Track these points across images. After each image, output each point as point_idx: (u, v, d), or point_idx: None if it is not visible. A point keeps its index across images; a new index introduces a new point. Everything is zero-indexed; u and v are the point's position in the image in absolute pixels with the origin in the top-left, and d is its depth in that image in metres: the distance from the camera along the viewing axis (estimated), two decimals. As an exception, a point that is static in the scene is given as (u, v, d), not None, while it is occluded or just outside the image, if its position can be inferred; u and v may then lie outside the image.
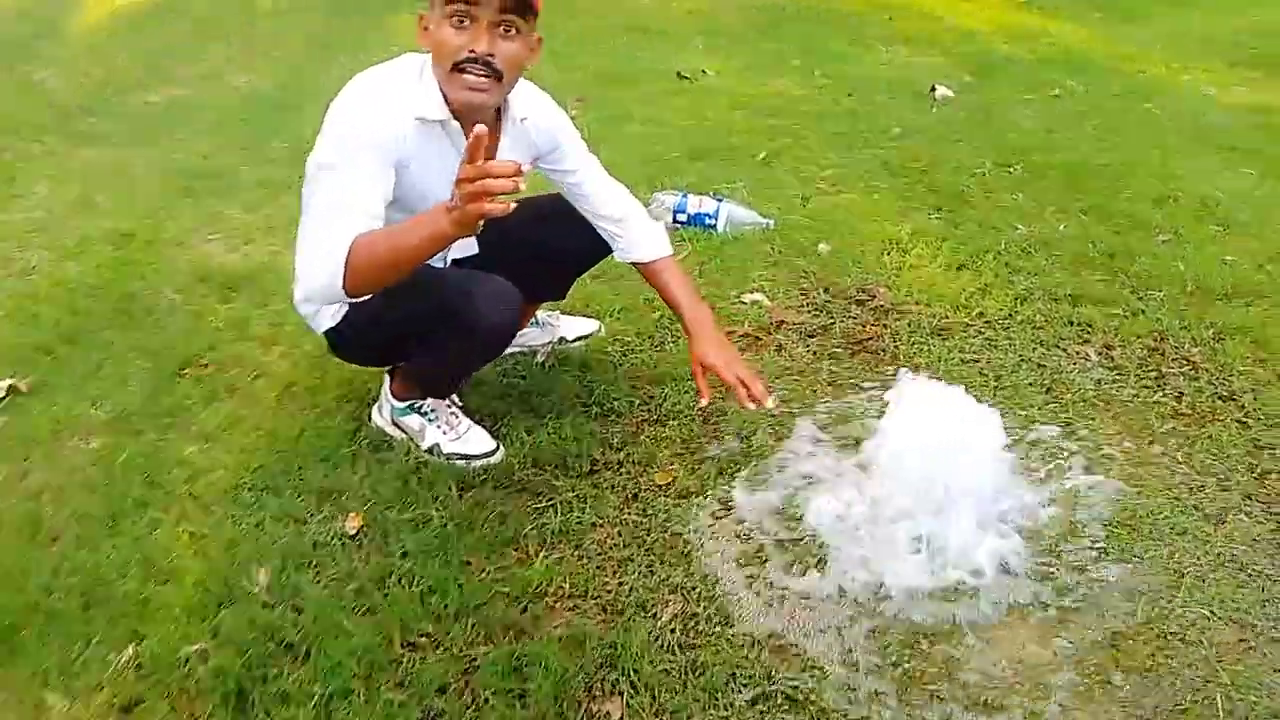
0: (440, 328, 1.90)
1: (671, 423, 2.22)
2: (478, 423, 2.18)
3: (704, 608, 1.71)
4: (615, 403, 2.29)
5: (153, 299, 2.79)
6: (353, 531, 1.93)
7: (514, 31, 1.72)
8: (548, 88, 2.05)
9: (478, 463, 2.10)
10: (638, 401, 2.29)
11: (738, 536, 1.89)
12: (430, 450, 2.13)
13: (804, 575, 1.78)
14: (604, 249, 2.20)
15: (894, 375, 2.29)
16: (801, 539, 1.86)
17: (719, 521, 1.93)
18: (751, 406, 1.99)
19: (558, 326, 2.52)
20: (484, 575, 1.80)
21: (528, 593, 1.75)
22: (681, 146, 3.92)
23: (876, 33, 5.64)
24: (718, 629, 1.67)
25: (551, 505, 1.98)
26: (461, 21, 1.69)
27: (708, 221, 3.15)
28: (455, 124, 1.81)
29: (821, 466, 2.04)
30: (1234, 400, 2.20)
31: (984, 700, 1.52)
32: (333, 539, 1.89)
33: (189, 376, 2.43)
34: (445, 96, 1.78)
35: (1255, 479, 1.98)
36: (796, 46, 5.39)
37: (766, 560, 1.82)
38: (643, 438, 2.17)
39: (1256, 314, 2.51)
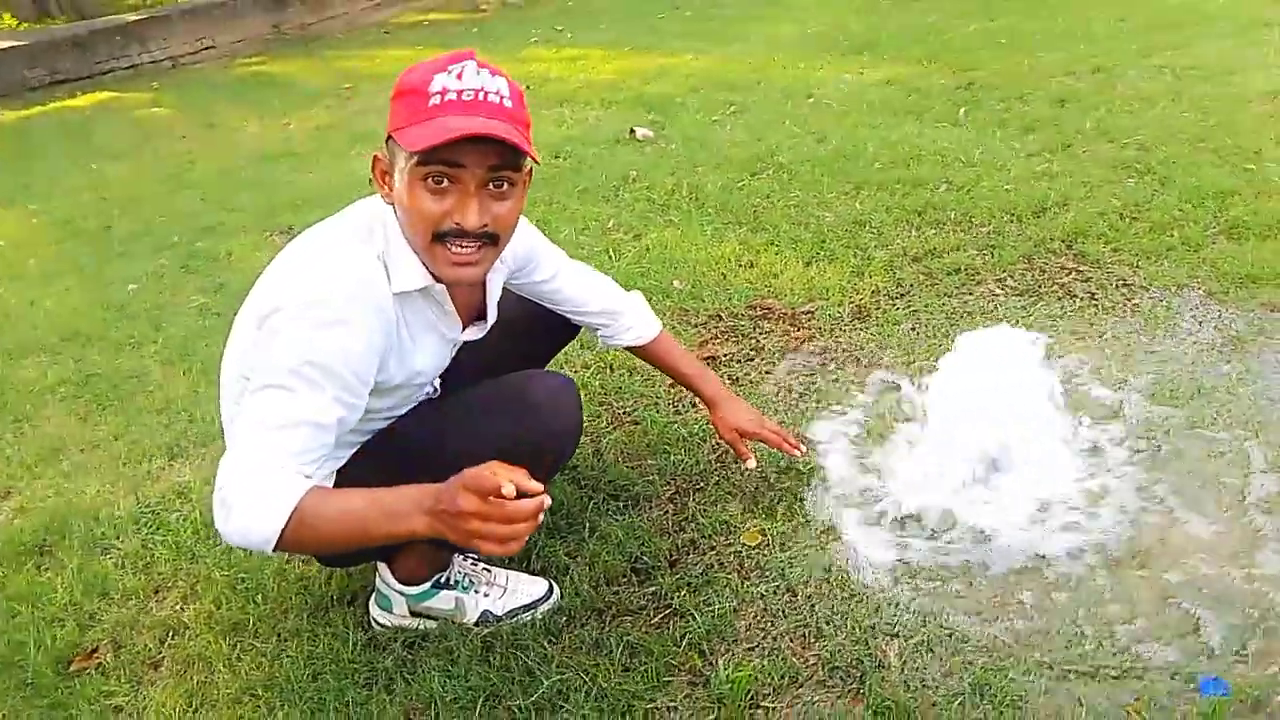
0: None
1: (710, 488, 2.02)
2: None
3: (935, 631, 1.57)
4: (633, 489, 2.04)
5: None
6: (486, 748, 1.51)
7: (508, 186, 1.37)
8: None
9: (543, 608, 1.76)
10: (656, 479, 2.07)
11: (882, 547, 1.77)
12: (481, 621, 1.75)
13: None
14: (573, 333, 2.00)
15: (858, 361, 2.33)
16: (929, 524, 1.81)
17: (859, 550, 1.79)
18: (799, 454, 1.97)
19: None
20: (680, 711, 1.50)
21: (748, 708, 1.49)
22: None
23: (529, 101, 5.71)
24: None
25: (672, 612, 1.71)
26: (440, 183, 1.33)
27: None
28: (439, 287, 1.49)
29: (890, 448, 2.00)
30: (1129, 284, 2.51)
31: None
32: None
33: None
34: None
35: (1215, 329, 2.27)
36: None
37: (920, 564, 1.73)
38: (692, 510, 1.96)
39: (1076, 218, 2.89)
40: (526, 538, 1.15)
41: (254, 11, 11.68)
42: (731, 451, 2.04)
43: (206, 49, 11.38)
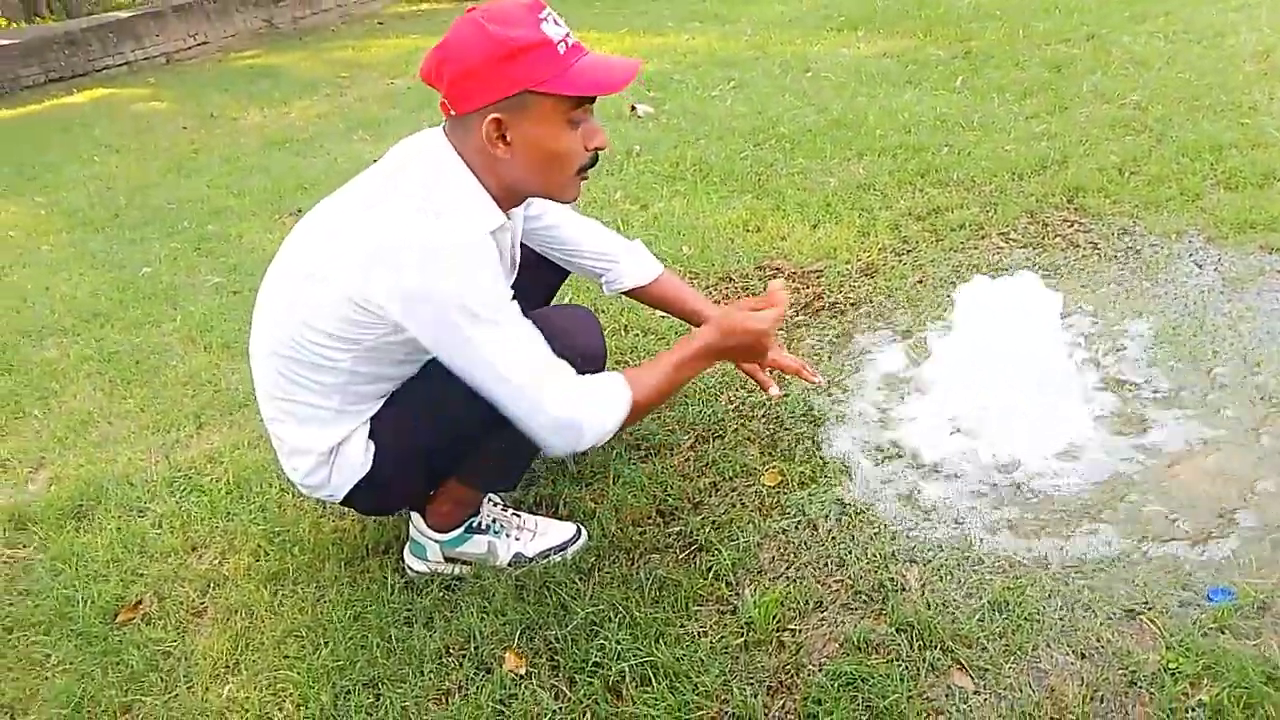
0: None
1: (728, 435, 2.08)
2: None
3: (953, 556, 1.64)
4: (654, 439, 2.11)
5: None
6: (523, 671, 1.57)
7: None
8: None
9: (573, 549, 1.82)
10: (675, 430, 2.13)
11: (897, 483, 1.84)
12: (513, 563, 1.81)
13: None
14: (562, 276, 2.07)
15: (861, 318, 2.39)
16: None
17: (876, 485, 1.86)
18: (818, 381, 1.97)
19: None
20: (710, 636, 1.57)
21: (775, 631, 1.56)
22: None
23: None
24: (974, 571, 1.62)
25: (698, 548, 1.78)
26: (578, 122, 1.46)
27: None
28: (509, 223, 1.58)
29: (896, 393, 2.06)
30: (1130, 233, 2.57)
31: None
32: (522, 691, 1.52)
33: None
34: (498, 198, 1.50)
35: (1215, 272, 2.34)
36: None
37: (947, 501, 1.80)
38: (712, 456, 2.02)
39: (1076, 173, 2.95)
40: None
41: (246, 6, 11.71)
42: (746, 402, 2.09)
43: (200, 44, 11.41)
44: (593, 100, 1.45)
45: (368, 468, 1.63)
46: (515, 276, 1.83)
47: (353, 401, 1.60)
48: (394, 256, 1.40)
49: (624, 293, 2.00)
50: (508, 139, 1.43)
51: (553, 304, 2.11)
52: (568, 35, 1.41)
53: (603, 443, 1.49)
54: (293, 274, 1.57)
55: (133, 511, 2.17)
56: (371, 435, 1.63)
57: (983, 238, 2.70)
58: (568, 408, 1.46)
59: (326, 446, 1.64)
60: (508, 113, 1.41)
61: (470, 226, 1.44)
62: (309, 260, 1.54)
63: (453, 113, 1.45)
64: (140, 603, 1.89)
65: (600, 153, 1.51)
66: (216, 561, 1.98)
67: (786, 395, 2.13)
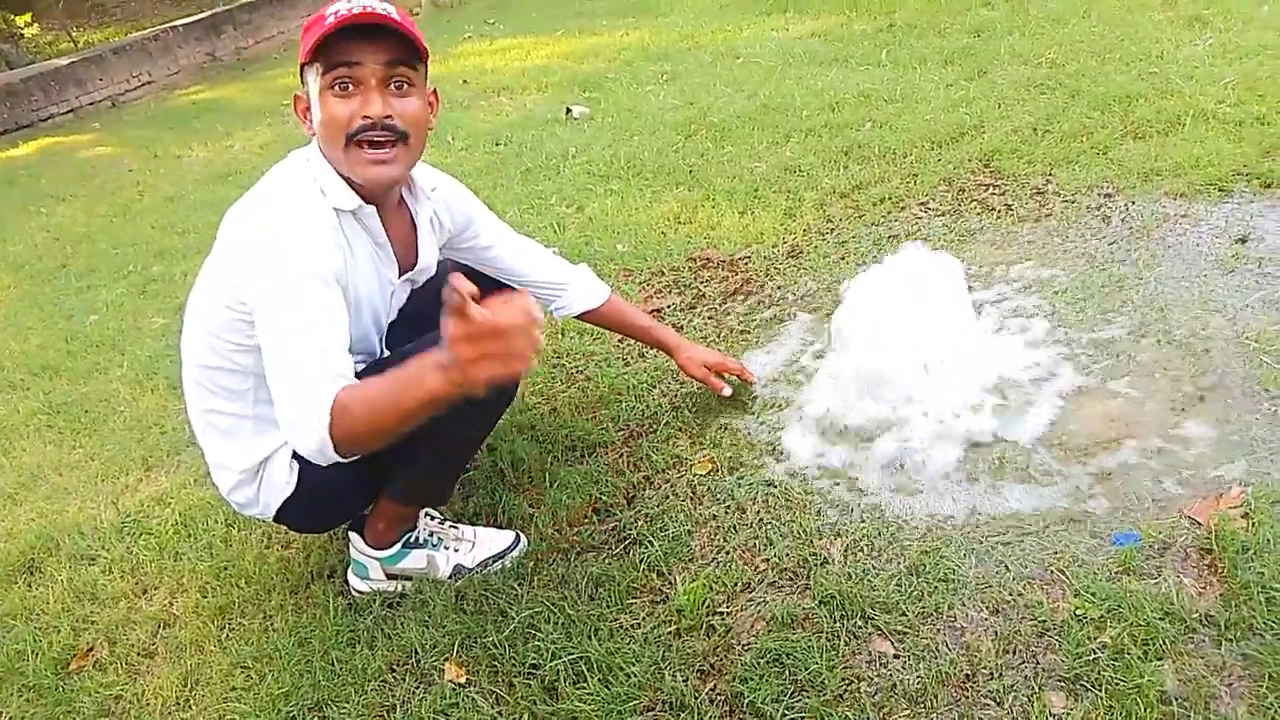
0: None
1: (660, 428, 2.12)
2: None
3: (874, 527, 1.68)
4: (589, 438, 2.14)
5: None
6: (463, 680, 1.60)
7: (407, 86, 1.48)
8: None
9: (512, 556, 1.85)
10: (610, 427, 2.17)
11: (822, 458, 1.88)
12: (454, 575, 1.84)
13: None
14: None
15: (785, 301, 2.43)
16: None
17: (801, 464, 1.90)
18: (752, 381, 2.16)
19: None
20: (643, 627, 1.60)
21: (705, 616, 1.59)
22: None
23: (462, 96, 5.78)
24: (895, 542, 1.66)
25: (632, 541, 1.82)
26: (345, 87, 1.43)
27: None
28: (369, 208, 1.56)
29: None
30: (1043, 192, 2.62)
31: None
32: (462, 700, 1.56)
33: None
34: (347, 180, 1.52)
35: (1122, 222, 2.38)
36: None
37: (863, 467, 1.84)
38: (645, 450, 2.06)
39: (991, 137, 3.01)
40: (532, 352, 1.13)
41: (188, 42, 11.65)
42: (679, 394, 2.13)
43: (145, 84, 11.33)
44: (355, 64, 1.41)
45: (293, 486, 1.66)
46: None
47: (269, 410, 1.63)
48: (236, 250, 1.47)
49: (575, 316, 2.05)
50: (310, 116, 1.50)
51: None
52: (353, 6, 1.41)
53: (337, 456, 1.38)
54: (196, 290, 1.61)
55: (83, 560, 2.19)
56: (295, 454, 1.66)
57: (902, 209, 2.75)
58: (285, 418, 1.44)
59: (250, 463, 1.66)
60: (302, 89, 1.50)
61: (298, 208, 1.46)
62: (203, 274, 1.60)
63: None
64: (92, 649, 1.91)
65: (391, 123, 1.44)
66: (166, 602, 2.00)
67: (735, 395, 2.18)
